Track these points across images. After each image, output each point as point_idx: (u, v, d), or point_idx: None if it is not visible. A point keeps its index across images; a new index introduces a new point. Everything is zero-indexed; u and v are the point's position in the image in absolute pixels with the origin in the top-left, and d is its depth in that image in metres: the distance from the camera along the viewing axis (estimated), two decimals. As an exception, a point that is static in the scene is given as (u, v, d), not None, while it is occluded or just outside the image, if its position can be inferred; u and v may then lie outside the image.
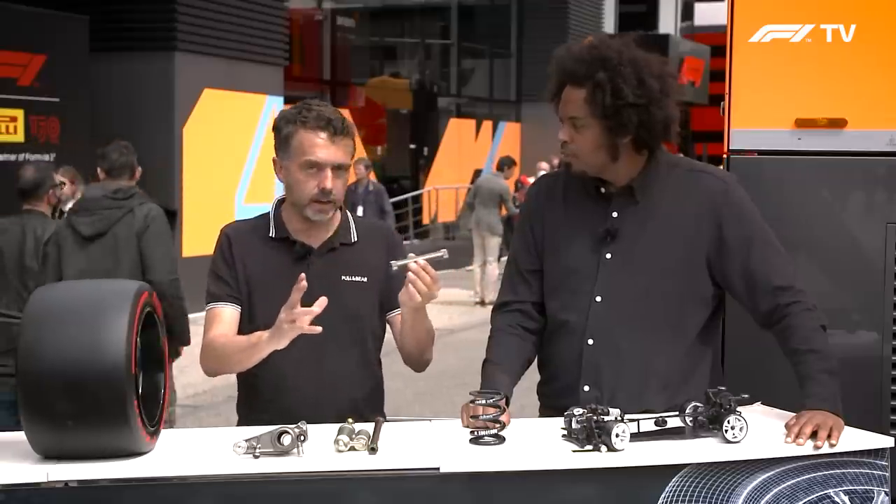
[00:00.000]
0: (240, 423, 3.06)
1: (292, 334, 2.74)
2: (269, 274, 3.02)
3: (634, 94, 2.80)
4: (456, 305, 13.20)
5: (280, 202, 3.11)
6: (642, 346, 2.88)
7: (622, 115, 2.81)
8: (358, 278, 3.03)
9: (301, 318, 2.69)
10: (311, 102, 3.05)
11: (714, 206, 2.90)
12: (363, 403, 3.01)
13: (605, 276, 2.91)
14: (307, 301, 2.83)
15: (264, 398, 3.01)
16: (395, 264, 2.80)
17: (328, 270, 3.02)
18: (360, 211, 12.49)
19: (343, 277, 3.02)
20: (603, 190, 2.95)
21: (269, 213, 3.11)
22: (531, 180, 13.09)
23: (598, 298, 2.91)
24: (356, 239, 3.09)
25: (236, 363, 2.94)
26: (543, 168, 16.02)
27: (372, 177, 13.89)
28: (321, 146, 2.96)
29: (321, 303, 2.72)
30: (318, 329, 2.72)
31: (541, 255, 3.02)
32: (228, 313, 3.02)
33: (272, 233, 3.07)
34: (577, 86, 2.86)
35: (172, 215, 5.54)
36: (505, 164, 14.86)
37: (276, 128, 3.05)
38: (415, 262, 2.78)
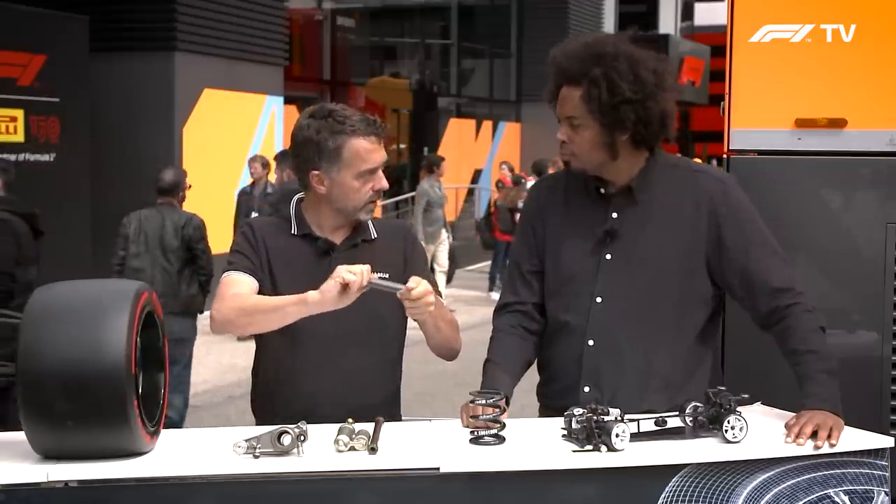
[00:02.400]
0: (257, 423, 3.04)
1: (342, 299, 2.74)
2: (293, 268, 3.02)
3: (631, 90, 2.80)
4: (455, 305, 13.19)
5: (299, 201, 3.12)
6: (643, 346, 2.88)
7: (619, 111, 2.81)
8: (379, 275, 3.03)
9: (356, 282, 2.72)
10: (334, 109, 3.01)
11: (713, 206, 2.89)
12: (381, 403, 3.00)
13: (605, 276, 2.91)
14: None
15: (282, 396, 3.00)
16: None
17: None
18: (254, 216, 10.26)
19: None
20: (602, 190, 2.95)
21: (288, 211, 3.11)
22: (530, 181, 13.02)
23: (599, 299, 2.90)
24: (375, 236, 3.10)
25: (265, 322, 2.91)
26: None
27: (272, 177, 11.38)
28: (374, 150, 2.99)
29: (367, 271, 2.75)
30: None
31: (542, 256, 3.02)
32: (247, 282, 2.98)
33: (294, 230, 3.07)
34: (573, 85, 2.86)
35: None
36: (433, 164, 13.76)
37: (318, 142, 2.97)
38: (372, 284, 2.80)
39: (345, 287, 2.74)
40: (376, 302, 2.98)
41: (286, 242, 3.06)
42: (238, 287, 2.97)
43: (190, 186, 7.42)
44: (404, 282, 2.84)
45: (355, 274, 2.74)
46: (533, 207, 3.09)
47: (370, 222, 3.12)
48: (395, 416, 3.08)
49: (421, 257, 3.17)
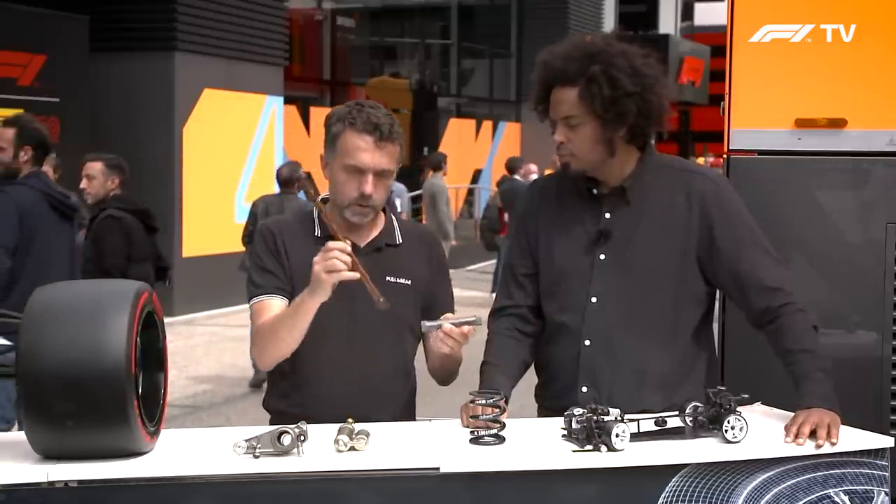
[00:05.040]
0: (272, 421, 3.01)
1: (331, 282, 2.72)
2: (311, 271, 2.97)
3: (631, 83, 2.81)
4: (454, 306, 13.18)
5: (324, 202, 3.08)
6: (639, 345, 2.88)
7: (620, 105, 2.81)
8: (402, 280, 3.01)
9: (337, 262, 2.69)
10: (364, 103, 3.00)
11: (705, 206, 2.89)
12: (399, 405, 3.00)
13: (599, 276, 2.91)
14: (350, 302, 2.89)
15: (299, 396, 2.98)
16: (427, 325, 2.81)
17: (373, 270, 2.95)
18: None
19: (388, 278, 2.98)
20: (595, 191, 2.95)
21: (311, 212, 3.09)
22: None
23: (594, 299, 2.91)
24: (401, 241, 3.08)
25: (287, 334, 2.86)
26: (532, 170, 15.13)
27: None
28: (365, 150, 2.92)
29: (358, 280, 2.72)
30: (356, 275, 2.71)
31: (535, 258, 3.02)
32: (277, 305, 2.95)
33: (317, 231, 3.04)
34: (568, 85, 2.85)
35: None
36: (441, 162, 13.62)
37: (327, 126, 3.01)
38: (447, 324, 2.78)
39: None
40: (397, 304, 2.96)
41: (309, 245, 2.98)
42: (269, 314, 2.93)
43: (307, 174, 9.14)
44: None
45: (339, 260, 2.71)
46: (526, 210, 3.09)
47: (396, 227, 3.10)
48: (410, 417, 3.08)
49: (445, 269, 3.16)
